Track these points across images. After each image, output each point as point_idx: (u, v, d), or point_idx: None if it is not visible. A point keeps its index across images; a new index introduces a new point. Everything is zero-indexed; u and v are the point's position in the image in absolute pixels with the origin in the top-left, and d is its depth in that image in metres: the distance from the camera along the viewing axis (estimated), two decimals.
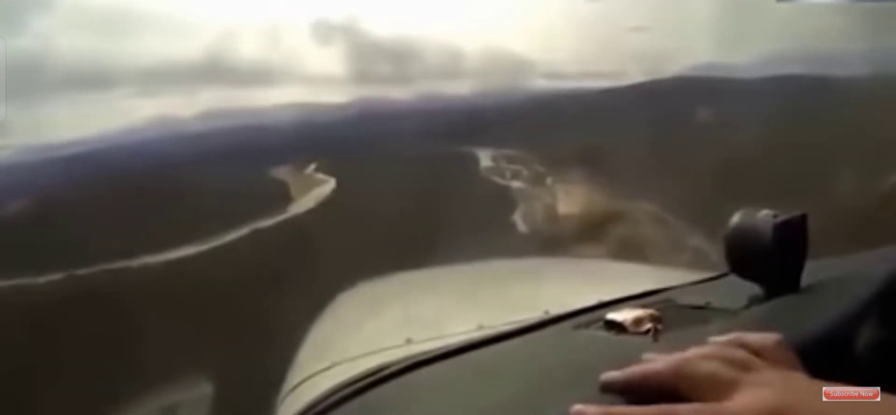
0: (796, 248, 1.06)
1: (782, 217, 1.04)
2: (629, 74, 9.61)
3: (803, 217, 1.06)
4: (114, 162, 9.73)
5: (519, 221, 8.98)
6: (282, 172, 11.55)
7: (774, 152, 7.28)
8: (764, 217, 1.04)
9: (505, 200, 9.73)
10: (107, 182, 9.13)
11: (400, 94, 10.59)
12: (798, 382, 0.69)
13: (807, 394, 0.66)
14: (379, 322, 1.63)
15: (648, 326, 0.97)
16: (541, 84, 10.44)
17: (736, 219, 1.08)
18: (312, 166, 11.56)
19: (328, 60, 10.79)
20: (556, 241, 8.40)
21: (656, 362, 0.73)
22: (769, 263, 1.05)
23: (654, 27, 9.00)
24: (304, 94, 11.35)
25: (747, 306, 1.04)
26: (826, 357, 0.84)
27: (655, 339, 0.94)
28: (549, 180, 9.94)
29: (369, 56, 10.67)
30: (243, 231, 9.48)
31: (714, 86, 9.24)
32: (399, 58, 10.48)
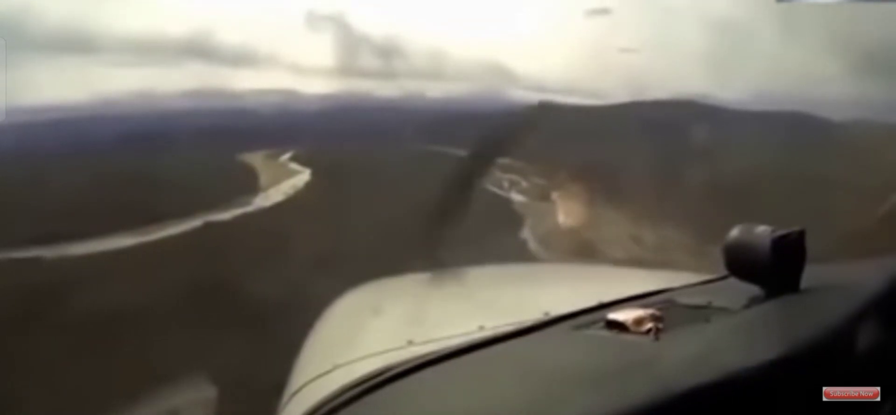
0: (794, 264, 1.07)
1: (780, 232, 1.04)
2: (613, 94, 9.62)
3: (801, 233, 1.07)
4: (86, 132, 9.14)
5: (498, 223, 8.81)
6: (258, 160, 11.00)
7: (753, 183, 7.19)
8: (762, 232, 1.05)
9: (483, 203, 9.56)
10: (70, 154, 8.46)
11: (384, 90, 10.53)
12: None
13: None
14: (380, 324, 1.63)
15: (650, 325, 0.97)
16: (524, 95, 10.45)
17: (734, 233, 1.08)
18: (288, 155, 11.13)
19: (315, 50, 10.62)
20: (536, 244, 8.21)
21: None
22: (768, 277, 1.06)
23: (645, 50, 8.98)
24: (288, 82, 11.10)
25: (747, 307, 1.05)
26: (825, 357, 0.85)
27: (657, 338, 0.94)
28: (527, 185, 9.96)
29: (356, 50, 10.57)
30: (210, 218, 8.64)
31: (695, 112, 9.16)
32: (386, 54, 10.44)
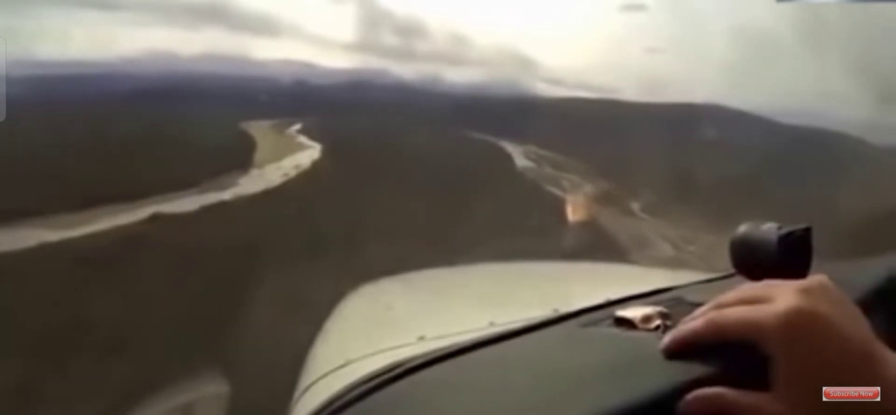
0: (801, 261, 1.07)
1: (787, 229, 1.05)
2: (629, 92, 9.53)
3: (807, 230, 1.07)
4: (87, 90, 8.69)
5: (507, 207, 8.59)
6: (268, 131, 10.57)
7: (755, 191, 7.04)
8: (768, 229, 1.06)
9: (495, 188, 9.36)
10: (56, 113, 7.83)
11: (402, 70, 10.53)
12: (824, 290, 0.74)
13: (833, 299, 0.72)
14: (391, 320, 1.65)
15: (657, 323, 0.99)
16: (540, 87, 10.41)
17: (741, 230, 1.09)
18: (297, 127, 10.82)
19: (336, 23, 10.60)
20: (544, 230, 8.03)
21: (694, 321, 0.81)
22: (774, 275, 1.06)
23: (670, 51, 8.88)
24: (307, 54, 10.93)
25: None
26: None
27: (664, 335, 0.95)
28: (537, 171, 9.88)
29: (378, 27, 10.59)
30: (162, 209, 7.85)
31: (710, 117, 8.97)
32: (407, 34, 10.47)
